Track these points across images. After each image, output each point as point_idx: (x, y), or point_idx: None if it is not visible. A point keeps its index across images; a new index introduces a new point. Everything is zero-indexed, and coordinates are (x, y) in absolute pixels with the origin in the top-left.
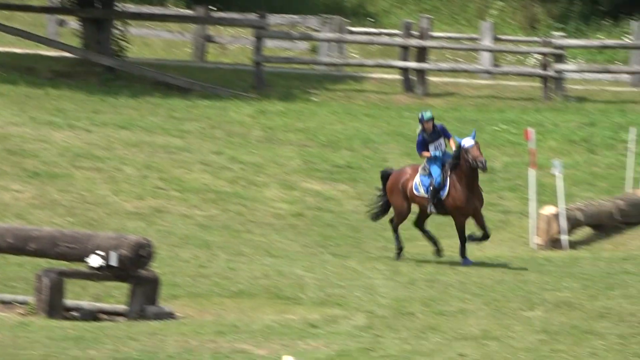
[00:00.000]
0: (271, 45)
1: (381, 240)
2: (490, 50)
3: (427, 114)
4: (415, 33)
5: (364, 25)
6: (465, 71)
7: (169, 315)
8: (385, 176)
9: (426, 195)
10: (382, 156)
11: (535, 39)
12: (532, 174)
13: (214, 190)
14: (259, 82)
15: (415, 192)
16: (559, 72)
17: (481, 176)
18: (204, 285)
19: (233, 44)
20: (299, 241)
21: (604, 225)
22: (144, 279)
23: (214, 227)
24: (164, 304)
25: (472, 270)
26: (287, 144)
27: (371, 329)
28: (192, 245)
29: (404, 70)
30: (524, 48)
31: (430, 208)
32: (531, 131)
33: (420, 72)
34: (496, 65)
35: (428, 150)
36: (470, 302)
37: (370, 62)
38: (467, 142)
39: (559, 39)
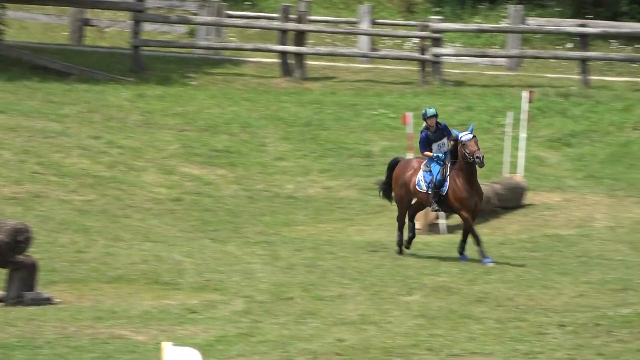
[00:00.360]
0: (149, 29)
1: (260, 225)
2: (368, 34)
3: (431, 110)
4: (293, 17)
5: (242, 9)
6: (344, 55)
7: (47, 301)
8: (393, 165)
9: (428, 192)
10: (260, 140)
11: (413, 23)
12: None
13: (92, 175)
14: (137, 66)
15: (417, 187)
16: (436, 56)
17: (359, 161)
18: (82, 271)
19: (111, 27)
20: (178, 226)
21: (482, 210)
22: (21, 265)
23: (93, 212)
24: (42, 290)
25: (350, 255)
26: (166, 128)
27: (250, 314)
28: (70, 231)
29: (283, 54)
30: (401, 32)
31: (434, 206)
32: (409, 115)
33: (299, 56)
34: (374, 49)
35: (431, 150)
36: (349, 287)
37: (248, 46)
38: (465, 136)
39: (437, 23)
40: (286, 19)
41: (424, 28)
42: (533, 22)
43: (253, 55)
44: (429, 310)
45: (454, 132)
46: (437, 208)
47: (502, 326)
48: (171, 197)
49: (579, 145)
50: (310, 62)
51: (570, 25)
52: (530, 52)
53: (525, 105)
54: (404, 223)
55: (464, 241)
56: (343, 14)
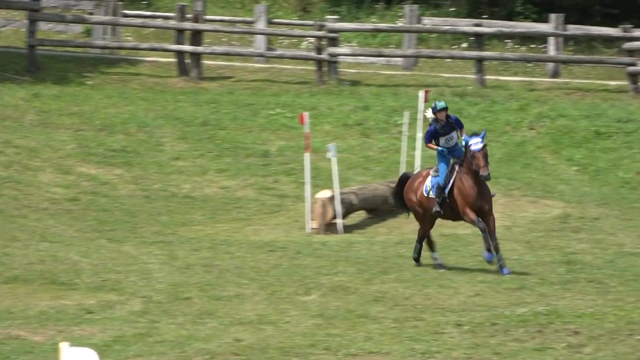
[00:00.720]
0: (45, 28)
1: (157, 224)
2: (265, 34)
3: (440, 104)
4: (189, 16)
5: (138, 9)
6: (240, 55)
7: None
8: (403, 180)
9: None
10: (157, 140)
11: (309, 22)
12: (307, 158)
13: None
14: (32, 65)
15: (425, 194)
16: (333, 55)
17: (256, 160)
18: None
19: (6, 26)
20: (75, 226)
21: (379, 209)
22: None
23: None
24: None
25: (248, 255)
26: (62, 128)
27: (147, 314)
28: None
29: (179, 54)
30: (298, 32)
31: (435, 207)
32: (306, 115)
33: (195, 56)
34: (271, 49)
35: (437, 143)
36: (247, 286)
37: (144, 45)
38: (475, 145)
39: (333, 22)
40: (182, 18)
41: (320, 28)
42: (428, 21)
43: (149, 55)
44: (327, 310)
45: (465, 136)
46: (438, 209)
47: (400, 325)
48: (68, 197)
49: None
50: (206, 62)
51: (465, 25)
52: (426, 51)
53: (421, 105)
54: (424, 235)
55: (487, 242)
56: (239, 14)
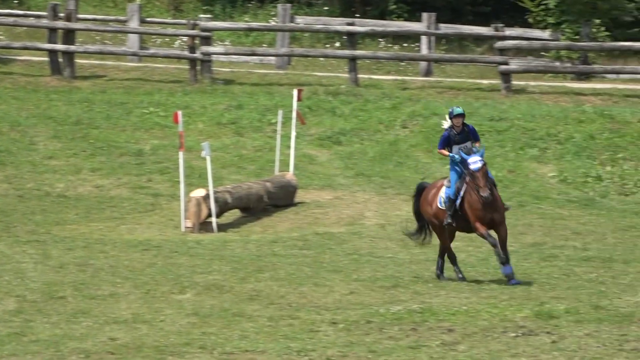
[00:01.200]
0: None
1: (31, 224)
2: (138, 33)
3: (457, 109)
4: (62, 15)
5: (10, 7)
6: (113, 54)
7: None
8: (420, 190)
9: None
10: (30, 139)
11: (182, 21)
12: (181, 156)
13: None
14: None
15: (439, 206)
16: (206, 54)
17: (130, 159)
18: None
19: None
20: None
21: (253, 208)
22: None
23: None
24: None
25: (122, 254)
26: None
27: (21, 313)
28: None
29: (52, 53)
30: (171, 30)
31: (446, 219)
32: (180, 114)
33: (68, 55)
34: (144, 48)
35: (450, 151)
36: (121, 285)
37: (17, 44)
38: (474, 164)
39: (206, 21)
40: (55, 17)
41: (194, 26)
42: (301, 20)
43: (22, 54)
44: (202, 308)
45: (462, 154)
46: (449, 222)
47: (275, 324)
48: None
49: (348, 143)
50: (79, 61)
51: (338, 24)
52: (299, 50)
53: (294, 104)
54: (445, 249)
55: (500, 257)
56: (112, 13)
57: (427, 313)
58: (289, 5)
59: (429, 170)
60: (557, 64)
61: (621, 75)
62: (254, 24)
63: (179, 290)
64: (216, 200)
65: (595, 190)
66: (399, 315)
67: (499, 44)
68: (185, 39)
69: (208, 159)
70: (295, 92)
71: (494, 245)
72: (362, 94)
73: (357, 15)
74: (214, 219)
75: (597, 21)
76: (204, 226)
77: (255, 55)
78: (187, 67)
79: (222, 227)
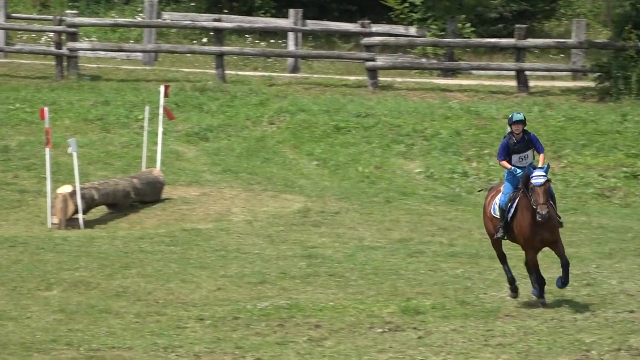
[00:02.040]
0: None
1: None
2: (3, 29)
3: (517, 116)
4: None
5: None
6: None
7: None
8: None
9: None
10: None
11: (49, 17)
12: (48, 153)
13: None
14: None
15: (492, 213)
16: (72, 50)
17: None
18: None
19: None
20: None
21: (120, 204)
22: None
23: None
24: None
25: None
26: None
27: None
28: None
29: None
30: (37, 26)
31: (498, 233)
32: (46, 110)
33: None
34: (9, 44)
35: (510, 160)
36: None
37: None
38: (536, 178)
39: (72, 17)
40: None
41: (60, 22)
42: (168, 16)
43: None
44: (68, 305)
45: (529, 167)
46: (501, 235)
47: (142, 320)
48: None
49: (215, 139)
50: None
51: (205, 20)
52: (166, 46)
53: (162, 100)
54: (502, 255)
55: (533, 281)
56: None
57: (294, 309)
58: (155, 1)
59: (295, 167)
60: (424, 60)
61: (487, 72)
62: (121, 20)
63: (45, 287)
64: (83, 197)
65: (462, 186)
66: (266, 311)
67: (365, 40)
68: (51, 34)
69: (75, 155)
70: (162, 88)
71: (535, 288)
72: (229, 90)
73: (225, 11)
74: (80, 216)
75: (463, 17)
76: (70, 222)
77: (122, 51)
78: (53, 63)
79: (88, 224)
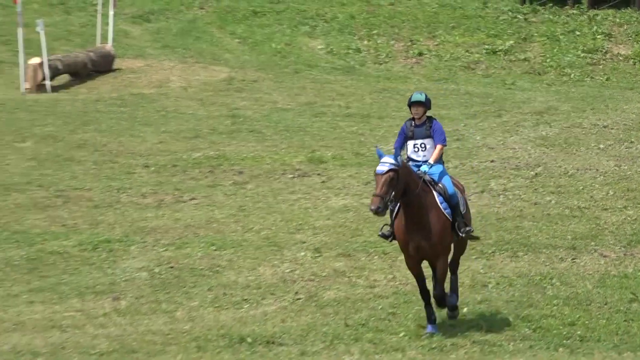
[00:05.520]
0: None
1: None
2: None
3: (417, 96)
4: None
5: None
6: None
7: None
8: None
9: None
10: None
11: None
12: (20, 31)
13: None
14: None
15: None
16: None
17: None
18: None
19: None
20: None
21: (80, 73)
22: None
23: None
24: None
25: None
26: None
27: None
28: None
29: None
30: None
31: (384, 229)
32: None
33: None
34: None
35: (401, 147)
36: None
37: None
38: (381, 165)
39: None
40: None
41: None
42: None
43: None
44: (39, 154)
45: (379, 152)
46: (387, 233)
47: (99, 167)
48: None
49: (156, 21)
50: None
51: None
52: None
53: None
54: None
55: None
56: None
57: (221, 158)
58: None
59: (221, 44)
60: None
61: None
62: None
63: (20, 140)
64: (49, 67)
65: (355, 60)
66: (199, 160)
67: None
68: None
69: (42, 33)
70: None
71: (421, 291)
72: None
73: None
74: (47, 82)
75: None
76: (40, 88)
77: None
78: None
79: (55, 89)
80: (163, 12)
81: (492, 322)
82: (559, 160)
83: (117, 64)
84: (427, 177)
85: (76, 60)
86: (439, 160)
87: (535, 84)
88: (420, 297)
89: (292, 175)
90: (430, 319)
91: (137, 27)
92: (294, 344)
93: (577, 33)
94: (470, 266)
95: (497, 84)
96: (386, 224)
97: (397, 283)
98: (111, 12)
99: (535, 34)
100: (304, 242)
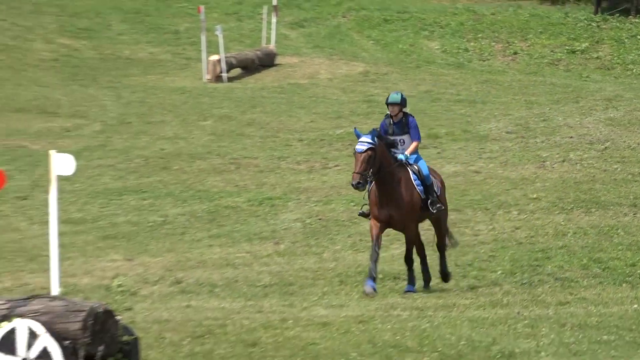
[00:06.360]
0: None
1: (109, 76)
2: None
3: (393, 96)
4: None
5: None
6: None
7: None
8: None
9: None
10: (107, 23)
11: None
12: (203, 35)
13: None
14: None
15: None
16: None
17: (170, 36)
18: None
19: None
20: (57, 76)
21: (249, 67)
22: None
23: None
24: None
25: (167, 95)
26: None
27: (104, 132)
28: None
29: None
30: None
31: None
32: (202, 8)
33: None
34: None
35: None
36: (167, 115)
37: None
38: (359, 144)
39: None
40: None
41: None
42: None
43: None
44: (217, 130)
45: (357, 132)
46: (365, 211)
47: (263, 141)
48: (51, 58)
49: (309, 26)
50: None
51: None
52: None
53: (274, 1)
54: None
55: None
56: None
57: None
58: None
59: (359, 44)
60: None
61: None
62: None
63: (203, 119)
64: (226, 62)
65: (464, 58)
66: (341, 135)
67: None
68: None
69: (220, 36)
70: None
71: (371, 259)
72: None
73: None
74: (224, 74)
75: None
76: (218, 79)
77: None
78: None
79: (229, 79)
80: (314, 19)
81: (569, 263)
82: (624, 136)
83: (278, 60)
84: (404, 160)
85: (246, 57)
86: (415, 153)
87: (605, 77)
88: (369, 257)
89: None
90: (411, 280)
91: (294, 31)
92: (415, 279)
93: (639, 37)
94: (553, 219)
95: (575, 77)
96: (365, 204)
97: (495, 232)
98: (274, 20)
99: (606, 38)
100: None
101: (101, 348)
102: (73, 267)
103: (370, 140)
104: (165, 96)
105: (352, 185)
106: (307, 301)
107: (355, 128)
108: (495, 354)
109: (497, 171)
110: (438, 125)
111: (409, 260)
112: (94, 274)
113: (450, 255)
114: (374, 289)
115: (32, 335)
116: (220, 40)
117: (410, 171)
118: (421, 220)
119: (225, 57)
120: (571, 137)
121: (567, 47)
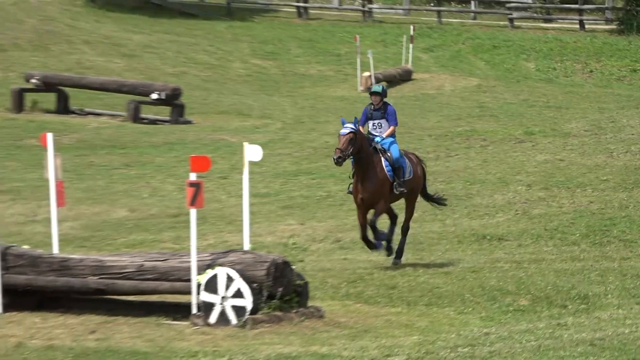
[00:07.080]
0: None
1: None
2: None
3: (376, 87)
4: None
5: None
6: None
7: None
8: None
9: None
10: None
11: None
12: (358, 57)
13: None
14: None
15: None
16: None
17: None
18: None
19: None
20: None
21: (392, 81)
22: None
23: None
24: None
25: (329, 100)
26: None
27: (284, 129)
28: None
29: None
30: None
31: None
32: (357, 37)
33: None
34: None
35: (364, 124)
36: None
37: None
38: (344, 129)
39: None
40: None
41: None
42: None
43: None
44: None
45: (343, 120)
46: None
47: (402, 136)
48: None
49: (437, 50)
50: None
51: None
52: None
53: (411, 32)
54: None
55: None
56: None
57: (473, 131)
58: None
59: (473, 64)
60: None
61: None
62: None
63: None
64: (375, 78)
65: (552, 74)
66: (460, 132)
67: None
68: None
69: (371, 58)
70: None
71: (362, 239)
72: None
73: None
74: (373, 79)
75: None
76: (369, 90)
77: None
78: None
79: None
80: (441, 45)
81: (630, 229)
82: None
83: (413, 76)
84: (379, 146)
85: (390, 73)
86: (391, 137)
87: None
88: (363, 243)
89: (514, 142)
90: (379, 239)
91: (426, 54)
92: (514, 240)
93: None
94: (618, 196)
95: (636, 89)
96: (352, 183)
97: (575, 206)
98: (411, 45)
99: None
100: (521, 180)
101: (280, 289)
102: (260, 229)
103: (353, 127)
104: (329, 102)
105: (334, 159)
106: (434, 255)
107: (341, 117)
108: (573, 296)
109: (577, 159)
110: (533, 125)
111: (366, 241)
112: (275, 234)
113: (540, 221)
114: (379, 245)
115: (229, 279)
116: (371, 61)
117: (382, 158)
118: (393, 201)
119: (374, 74)
120: (633, 134)
121: (630, 67)
